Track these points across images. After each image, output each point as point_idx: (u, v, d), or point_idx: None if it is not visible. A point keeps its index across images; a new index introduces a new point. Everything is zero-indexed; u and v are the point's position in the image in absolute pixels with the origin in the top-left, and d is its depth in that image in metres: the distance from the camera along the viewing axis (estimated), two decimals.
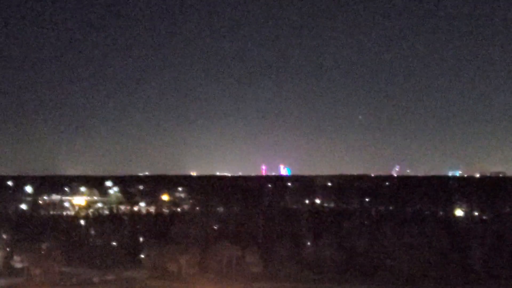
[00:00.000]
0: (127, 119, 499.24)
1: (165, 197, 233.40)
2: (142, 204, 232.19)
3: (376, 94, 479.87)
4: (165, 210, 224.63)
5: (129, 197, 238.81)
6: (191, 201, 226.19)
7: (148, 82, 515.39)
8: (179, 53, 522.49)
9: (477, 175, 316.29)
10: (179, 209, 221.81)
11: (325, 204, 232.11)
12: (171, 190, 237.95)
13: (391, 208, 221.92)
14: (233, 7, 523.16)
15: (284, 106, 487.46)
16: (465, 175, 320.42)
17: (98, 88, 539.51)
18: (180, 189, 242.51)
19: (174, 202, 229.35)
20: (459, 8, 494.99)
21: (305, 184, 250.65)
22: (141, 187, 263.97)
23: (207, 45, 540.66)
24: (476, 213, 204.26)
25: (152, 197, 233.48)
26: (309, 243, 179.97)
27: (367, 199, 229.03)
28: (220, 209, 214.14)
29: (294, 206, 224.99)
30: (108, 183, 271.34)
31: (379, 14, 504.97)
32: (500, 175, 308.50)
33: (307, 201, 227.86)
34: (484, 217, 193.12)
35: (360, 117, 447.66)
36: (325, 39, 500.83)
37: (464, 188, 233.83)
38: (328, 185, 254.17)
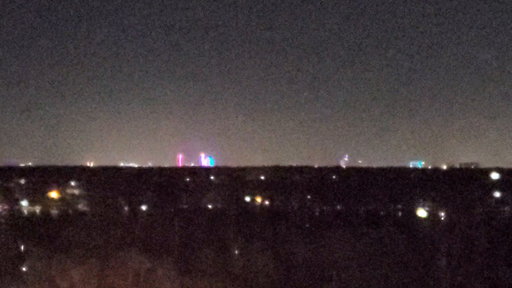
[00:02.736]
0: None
1: (54, 194, 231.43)
2: (24, 203, 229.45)
3: (322, 66, 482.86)
4: (54, 211, 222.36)
5: (7, 194, 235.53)
6: (87, 199, 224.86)
7: (35, 59, 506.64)
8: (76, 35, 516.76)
9: (444, 167, 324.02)
10: (71, 210, 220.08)
11: (258, 203, 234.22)
12: (61, 186, 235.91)
13: (339, 207, 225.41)
14: None
15: (204, 80, 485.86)
16: (430, 167, 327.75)
17: None
18: (73, 184, 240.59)
19: (66, 201, 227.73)
20: None
21: (232, 178, 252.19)
22: (22, 181, 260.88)
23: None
24: (443, 214, 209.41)
25: (37, 194, 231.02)
26: (237, 252, 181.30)
27: (309, 197, 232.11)
28: (125, 209, 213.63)
29: (219, 205, 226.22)
30: None
31: None
32: (472, 167, 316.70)
33: (234, 199, 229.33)
34: (453, 218, 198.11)
35: (305, 93, 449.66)
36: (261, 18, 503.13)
37: (428, 183, 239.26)
38: (261, 179, 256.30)
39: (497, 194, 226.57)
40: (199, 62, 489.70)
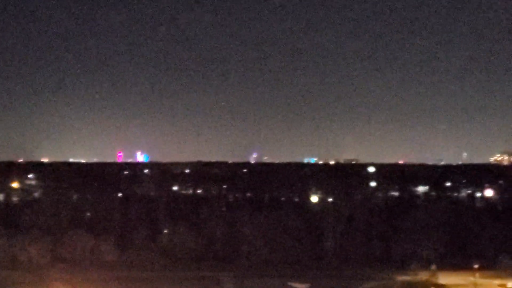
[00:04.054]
0: None
1: (14, 185, 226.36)
2: None
3: (233, 79, 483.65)
4: (15, 199, 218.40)
5: None
6: (42, 189, 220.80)
7: None
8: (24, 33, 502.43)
9: (332, 162, 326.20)
10: (29, 197, 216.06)
11: (183, 191, 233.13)
12: (21, 178, 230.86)
13: (248, 194, 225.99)
14: None
15: (141, 92, 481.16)
16: (320, 162, 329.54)
17: None
18: (30, 176, 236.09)
19: (25, 190, 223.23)
20: None
21: (162, 171, 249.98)
22: None
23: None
24: (331, 199, 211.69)
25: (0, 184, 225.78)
26: (166, 231, 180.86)
27: (224, 186, 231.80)
28: (74, 197, 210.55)
29: (151, 193, 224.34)
30: None
31: None
32: (353, 162, 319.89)
33: (164, 188, 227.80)
34: (338, 203, 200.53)
35: (223, 103, 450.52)
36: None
37: (319, 175, 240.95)
38: (186, 172, 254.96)
39: (373, 184, 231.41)
40: (136, 70, 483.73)
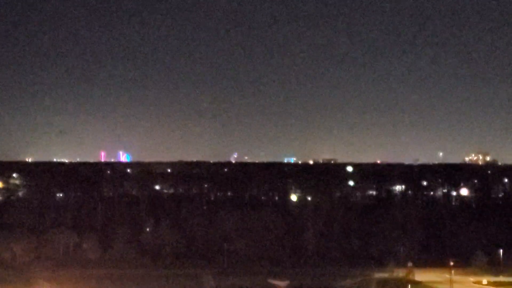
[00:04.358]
0: None
1: None
2: None
3: (214, 81, 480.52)
4: None
5: None
6: (26, 188, 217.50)
7: None
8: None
9: (311, 162, 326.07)
10: (14, 197, 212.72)
11: (165, 190, 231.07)
12: (5, 177, 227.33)
13: (229, 193, 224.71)
14: None
15: (124, 93, 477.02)
16: (300, 162, 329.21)
17: None
18: (15, 175, 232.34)
19: (9, 189, 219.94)
20: None
21: (144, 171, 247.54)
22: None
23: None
24: (310, 198, 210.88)
25: None
26: (148, 229, 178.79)
27: (206, 185, 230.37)
28: (58, 196, 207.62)
29: (134, 193, 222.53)
30: None
31: None
32: (332, 162, 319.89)
33: (146, 187, 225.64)
34: (317, 201, 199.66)
35: (205, 105, 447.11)
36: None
37: (298, 174, 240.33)
38: (168, 172, 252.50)
39: (351, 183, 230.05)
40: (119, 73, 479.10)
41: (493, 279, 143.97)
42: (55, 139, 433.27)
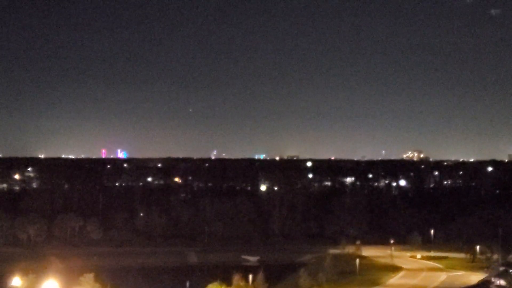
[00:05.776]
0: None
1: (15, 177, 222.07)
2: None
3: (195, 90, 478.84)
4: (16, 188, 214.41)
5: None
6: (39, 180, 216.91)
7: None
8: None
9: (277, 158, 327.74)
10: (28, 187, 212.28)
11: (156, 182, 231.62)
12: (21, 170, 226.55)
13: (209, 184, 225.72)
14: None
15: (122, 99, 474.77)
16: (268, 158, 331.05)
17: None
18: (29, 169, 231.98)
19: (24, 181, 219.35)
20: None
21: (138, 165, 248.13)
22: None
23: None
24: (276, 188, 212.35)
25: (4, 176, 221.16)
26: (141, 214, 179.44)
27: (190, 177, 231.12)
28: (65, 186, 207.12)
29: (129, 184, 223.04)
30: None
31: None
32: (295, 158, 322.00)
33: (140, 179, 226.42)
34: (282, 191, 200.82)
35: (190, 110, 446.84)
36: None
37: (267, 168, 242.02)
38: (158, 166, 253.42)
39: (310, 175, 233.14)
40: (120, 84, 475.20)
41: (425, 254, 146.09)
42: (63, 138, 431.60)
